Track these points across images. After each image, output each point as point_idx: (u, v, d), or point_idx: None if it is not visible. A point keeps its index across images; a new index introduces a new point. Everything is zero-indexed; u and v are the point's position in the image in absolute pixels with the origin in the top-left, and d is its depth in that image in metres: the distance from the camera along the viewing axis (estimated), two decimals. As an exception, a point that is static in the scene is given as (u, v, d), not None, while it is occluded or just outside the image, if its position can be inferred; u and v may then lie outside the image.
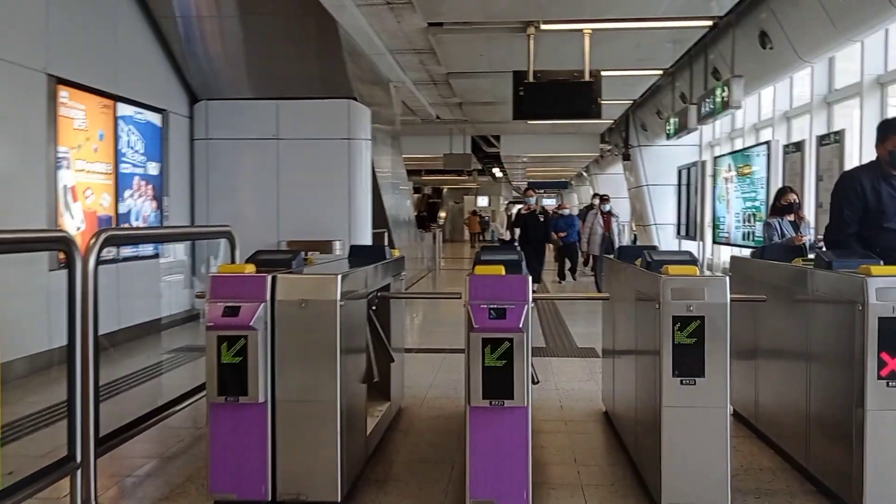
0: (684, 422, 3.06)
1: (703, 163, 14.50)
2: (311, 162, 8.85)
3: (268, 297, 3.17)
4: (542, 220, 9.76)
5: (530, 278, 3.17)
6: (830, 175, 8.21)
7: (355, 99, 8.87)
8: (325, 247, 8.87)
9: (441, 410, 4.95)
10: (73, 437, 3.13)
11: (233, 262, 4.75)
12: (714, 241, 13.27)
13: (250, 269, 3.30)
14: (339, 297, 3.16)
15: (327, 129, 8.83)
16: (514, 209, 15.70)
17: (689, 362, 3.04)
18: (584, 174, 30.62)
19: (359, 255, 4.39)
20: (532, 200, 9.93)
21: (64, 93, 6.66)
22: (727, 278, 3.11)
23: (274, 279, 3.20)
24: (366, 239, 9.11)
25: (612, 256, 4.93)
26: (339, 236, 8.76)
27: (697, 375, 3.04)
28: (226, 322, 3.11)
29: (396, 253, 4.73)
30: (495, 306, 3.08)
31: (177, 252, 8.80)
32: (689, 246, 15.61)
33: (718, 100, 8.63)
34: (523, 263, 3.53)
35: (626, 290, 3.97)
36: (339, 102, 8.81)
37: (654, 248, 4.30)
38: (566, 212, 13.81)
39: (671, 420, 3.06)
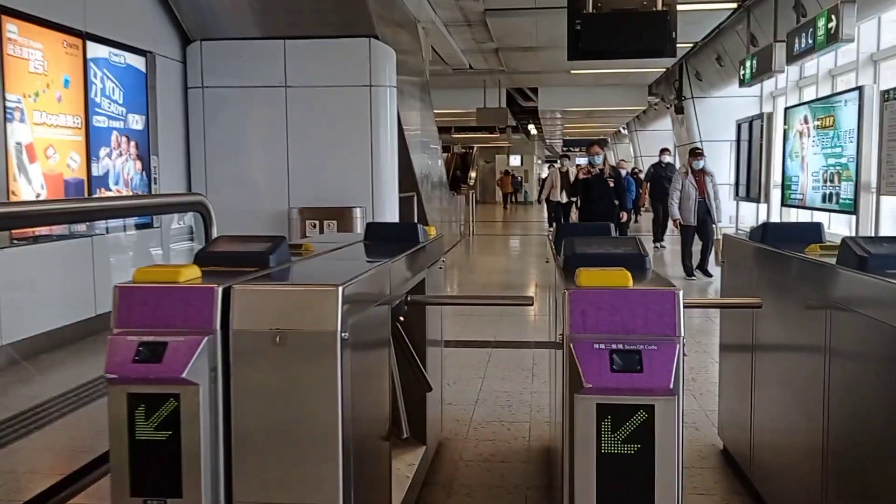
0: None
1: (769, 115, 12.90)
2: (326, 113, 7.44)
3: (217, 324, 1.81)
4: (611, 185, 7.83)
5: (681, 292, 1.78)
6: (948, 126, 6.71)
7: (377, 37, 7.41)
8: (344, 215, 7.53)
9: (494, 446, 3.61)
10: None
11: (207, 243, 3.39)
12: (783, 204, 11.68)
13: (190, 273, 1.92)
14: (339, 324, 1.79)
15: (345, 75, 7.39)
16: (569, 167, 13.80)
17: None
18: (623, 130, 28.83)
19: (379, 239, 3.02)
20: (598, 160, 7.93)
21: (11, 26, 5.31)
22: None
23: (227, 292, 1.82)
24: (392, 206, 7.71)
25: (734, 233, 3.52)
26: (361, 203, 7.40)
27: None
28: (141, 372, 1.76)
29: (433, 232, 3.34)
30: (621, 347, 1.70)
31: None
32: (749, 209, 14.09)
33: (822, 32, 7.02)
34: (648, 259, 2.14)
35: (788, 287, 2.58)
36: (358, 42, 7.34)
37: (818, 225, 2.90)
38: (622, 172, 11.72)
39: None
